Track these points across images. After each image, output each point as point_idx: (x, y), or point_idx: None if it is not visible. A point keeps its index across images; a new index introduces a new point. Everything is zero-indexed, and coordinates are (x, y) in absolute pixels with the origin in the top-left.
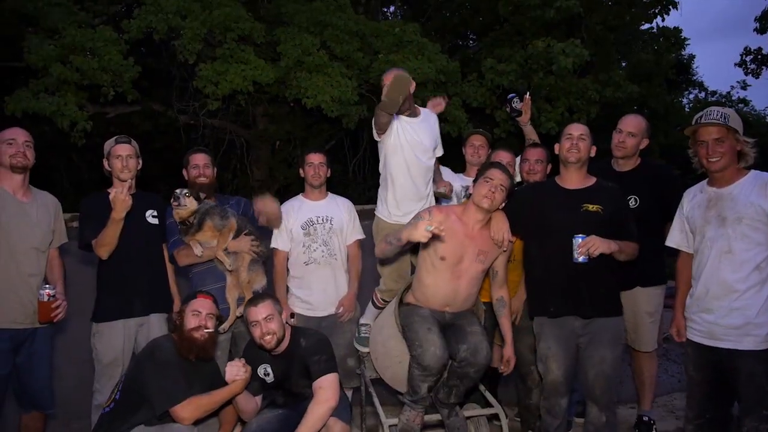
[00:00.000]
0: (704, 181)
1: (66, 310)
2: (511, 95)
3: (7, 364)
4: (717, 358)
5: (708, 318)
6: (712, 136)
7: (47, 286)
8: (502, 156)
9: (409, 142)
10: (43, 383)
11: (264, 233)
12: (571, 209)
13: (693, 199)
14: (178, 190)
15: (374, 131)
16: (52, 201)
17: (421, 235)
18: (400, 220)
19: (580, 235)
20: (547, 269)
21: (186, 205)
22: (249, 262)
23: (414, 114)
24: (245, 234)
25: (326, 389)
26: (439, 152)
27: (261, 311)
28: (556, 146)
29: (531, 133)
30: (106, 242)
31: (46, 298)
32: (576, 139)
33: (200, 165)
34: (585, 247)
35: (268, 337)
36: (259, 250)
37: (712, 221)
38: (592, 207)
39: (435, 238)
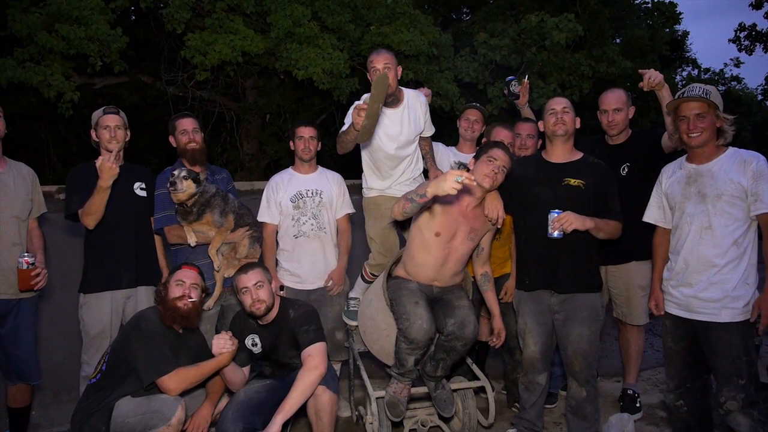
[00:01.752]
0: (683, 158)
1: (46, 279)
2: (509, 78)
3: None
4: (694, 330)
5: (687, 291)
6: (693, 112)
7: (26, 254)
8: (503, 135)
9: (378, 134)
10: (28, 354)
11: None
12: (552, 183)
13: (672, 175)
14: (176, 172)
15: (337, 146)
16: (27, 171)
17: (450, 186)
18: (369, 194)
19: (555, 211)
20: (526, 242)
21: (184, 189)
22: (248, 245)
23: (396, 101)
24: (243, 227)
25: (315, 356)
26: (428, 132)
27: (251, 278)
28: (540, 123)
29: (529, 114)
30: (93, 211)
31: (25, 266)
32: (560, 113)
33: (189, 130)
34: (559, 222)
35: (258, 304)
36: (256, 235)
37: (692, 197)
38: (573, 181)
39: (440, 202)
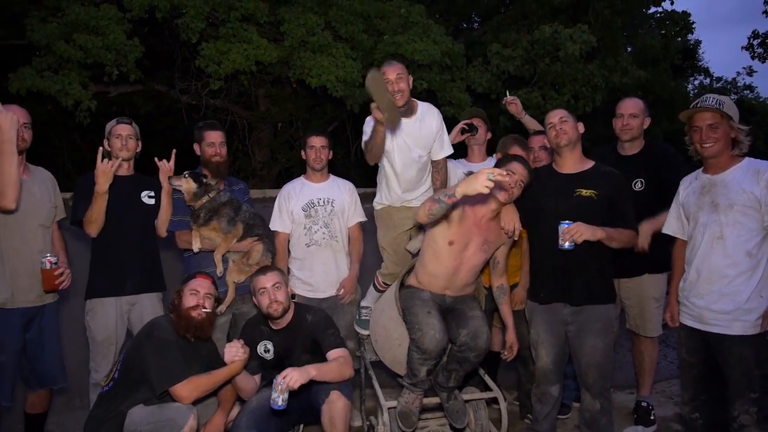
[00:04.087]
0: (700, 169)
1: (70, 279)
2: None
3: (21, 339)
4: (708, 341)
5: (699, 303)
6: (706, 122)
7: (48, 254)
8: (518, 152)
9: (389, 146)
10: (54, 356)
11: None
12: (563, 194)
13: (688, 186)
14: (186, 172)
15: (367, 160)
16: (48, 176)
17: (482, 185)
18: (381, 203)
19: (566, 222)
20: (540, 255)
21: (180, 185)
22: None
23: (410, 112)
24: (252, 237)
25: (348, 357)
26: (446, 152)
27: (270, 279)
28: (544, 139)
29: (530, 123)
30: (94, 218)
31: (48, 266)
32: (558, 124)
33: (216, 143)
34: (569, 233)
35: (275, 305)
36: (267, 244)
37: (705, 207)
38: (585, 192)
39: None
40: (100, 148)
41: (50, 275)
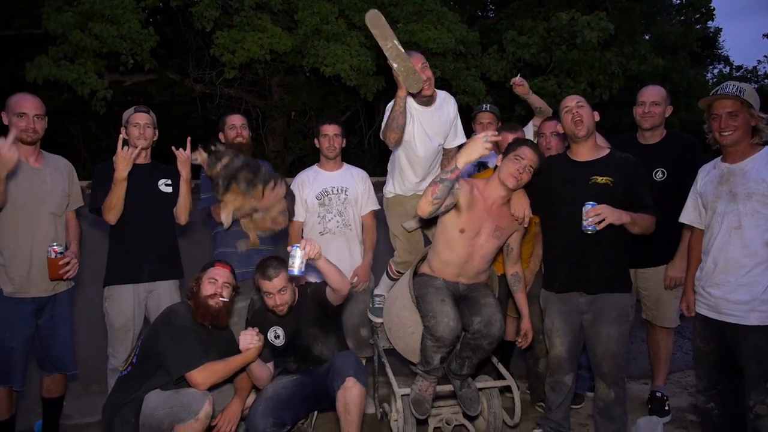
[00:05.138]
0: (718, 158)
1: (77, 268)
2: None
3: (32, 325)
4: (723, 331)
5: (715, 293)
6: (726, 110)
7: (55, 243)
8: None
9: (410, 134)
10: (65, 344)
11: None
12: (579, 182)
13: (707, 175)
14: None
15: (387, 142)
16: (65, 164)
17: (482, 148)
18: (393, 192)
19: (590, 203)
20: (555, 243)
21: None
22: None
23: (430, 101)
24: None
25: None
26: (459, 140)
27: (276, 284)
28: (560, 126)
29: (536, 101)
30: (113, 205)
31: (53, 255)
32: (575, 108)
33: (237, 125)
34: (594, 212)
35: (281, 307)
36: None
37: (724, 196)
38: (601, 179)
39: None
40: (121, 136)
41: (55, 264)
